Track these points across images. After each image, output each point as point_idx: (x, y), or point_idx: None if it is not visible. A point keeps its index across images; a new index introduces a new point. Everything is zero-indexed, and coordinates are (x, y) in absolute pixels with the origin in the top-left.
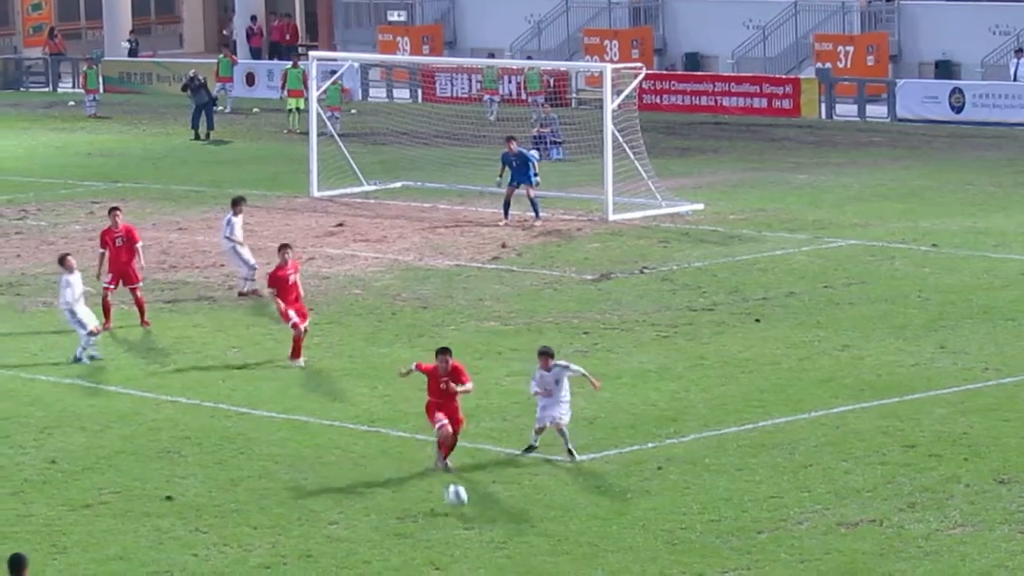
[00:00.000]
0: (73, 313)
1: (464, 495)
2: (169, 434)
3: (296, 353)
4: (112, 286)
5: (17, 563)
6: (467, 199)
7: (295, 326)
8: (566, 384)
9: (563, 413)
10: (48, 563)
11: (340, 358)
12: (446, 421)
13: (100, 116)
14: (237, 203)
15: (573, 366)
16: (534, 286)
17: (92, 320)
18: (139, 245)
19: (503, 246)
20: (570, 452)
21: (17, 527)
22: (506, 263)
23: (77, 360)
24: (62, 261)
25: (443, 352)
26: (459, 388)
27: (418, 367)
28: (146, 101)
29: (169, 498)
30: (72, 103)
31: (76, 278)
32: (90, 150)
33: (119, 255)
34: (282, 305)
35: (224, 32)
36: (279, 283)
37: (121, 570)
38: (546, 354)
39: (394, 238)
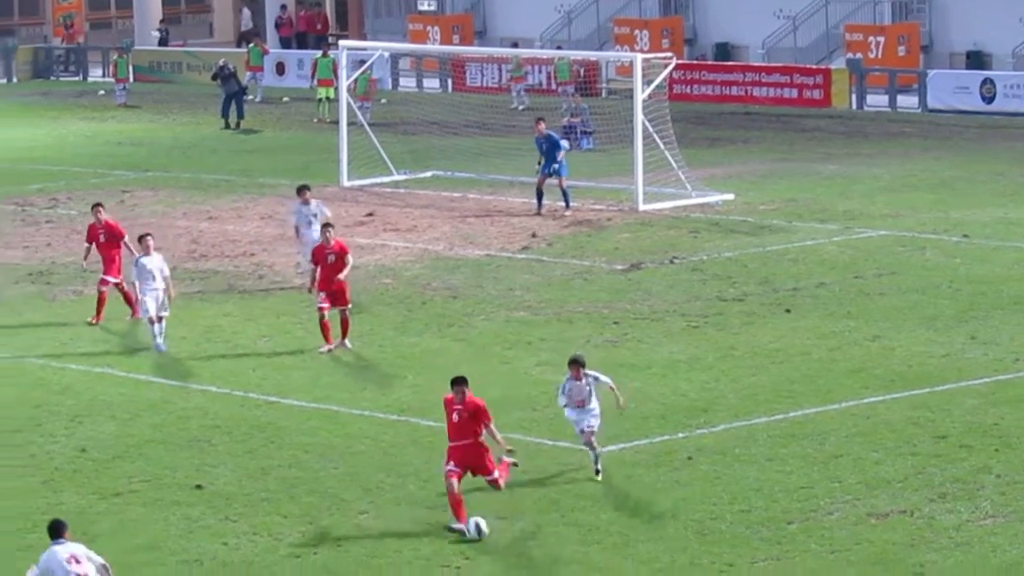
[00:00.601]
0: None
1: (485, 528)
2: (199, 423)
3: (327, 337)
4: (107, 277)
5: (57, 527)
6: (497, 189)
7: (319, 309)
8: (596, 395)
9: (596, 423)
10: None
11: (370, 347)
12: (456, 470)
13: (130, 105)
14: (300, 191)
15: (603, 377)
16: (564, 276)
17: (142, 308)
18: (125, 239)
19: (533, 236)
20: (597, 471)
21: (48, 515)
22: (536, 253)
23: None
24: (139, 240)
25: (459, 383)
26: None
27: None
28: (176, 90)
29: (199, 487)
30: (102, 92)
31: (148, 260)
32: (120, 139)
33: (102, 250)
34: (312, 289)
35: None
36: (318, 260)
37: (151, 559)
38: (578, 363)
39: (424, 228)
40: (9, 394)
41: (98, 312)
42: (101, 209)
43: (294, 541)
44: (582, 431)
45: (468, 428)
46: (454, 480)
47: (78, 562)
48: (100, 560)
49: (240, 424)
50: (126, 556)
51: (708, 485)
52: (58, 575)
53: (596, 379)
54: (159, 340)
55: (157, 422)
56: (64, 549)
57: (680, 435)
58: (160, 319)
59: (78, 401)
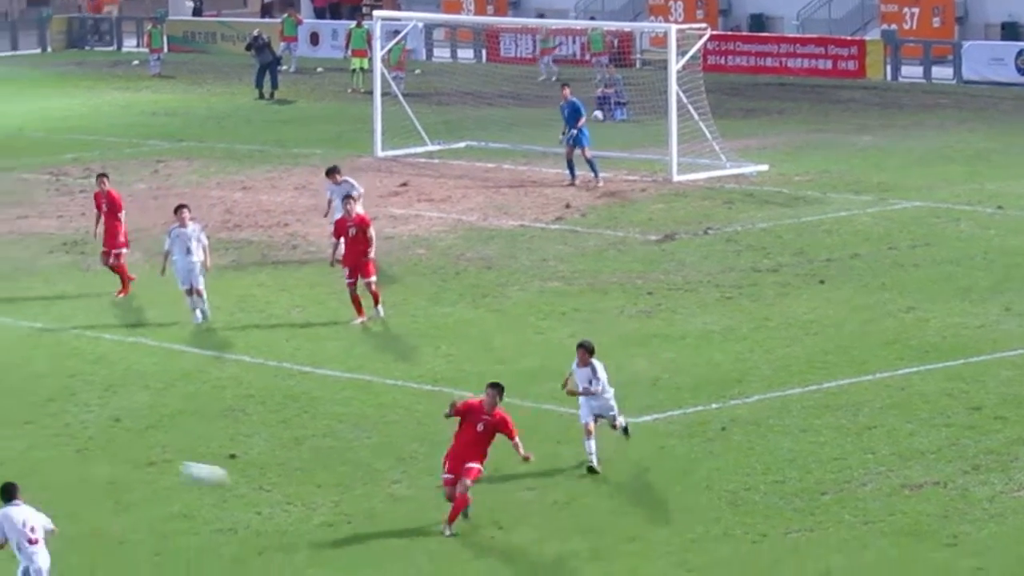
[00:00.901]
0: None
1: (205, 472)
2: (233, 393)
3: (359, 310)
4: (104, 249)
5: (9, 490)
6: (531, 159)
7: (348, 285)
8: (605, 383)
9: (613, 410)
10: (112, 520)
11: (404, 317)
12: (450, 477)
13: (164, 75)
14: (329, 173)
15: (603, 377)
16: (598, 246)
17: (181, 279)
18: (120, 215)
19: (567, 206)
20: (625, 430)
21: (81, 485)
22: (570, 223)
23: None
24: (175, 212)
25: (495, 387)
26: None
27: (455, 410)
28: (210, 60)
29: (233, 456)
30: (136, 62)
31: (184, 231)
32: (154, 109)
33: (106, 220)
34: (336, 260)
35: None
36: (340, 233)
37: (185, 528)
38: (585, 348)
39: (458, 198)
40: (43, 364)
41: (123, 285)
42: (106, 179)
43: (327, 511)
44: (610, 418)
45: (486, 440)
46: (448, 488)
47: (32, 530)
48: (50, 526)
49: (274, 394)
50: (160, 525)
51: (741, 456)
52: (12, 537)
53: (596, 377)
54: (197, 312)
55: (191, 392)
56: (19, 512)
57: (714, 406)
58: (199, 292)
59: (112, 371)
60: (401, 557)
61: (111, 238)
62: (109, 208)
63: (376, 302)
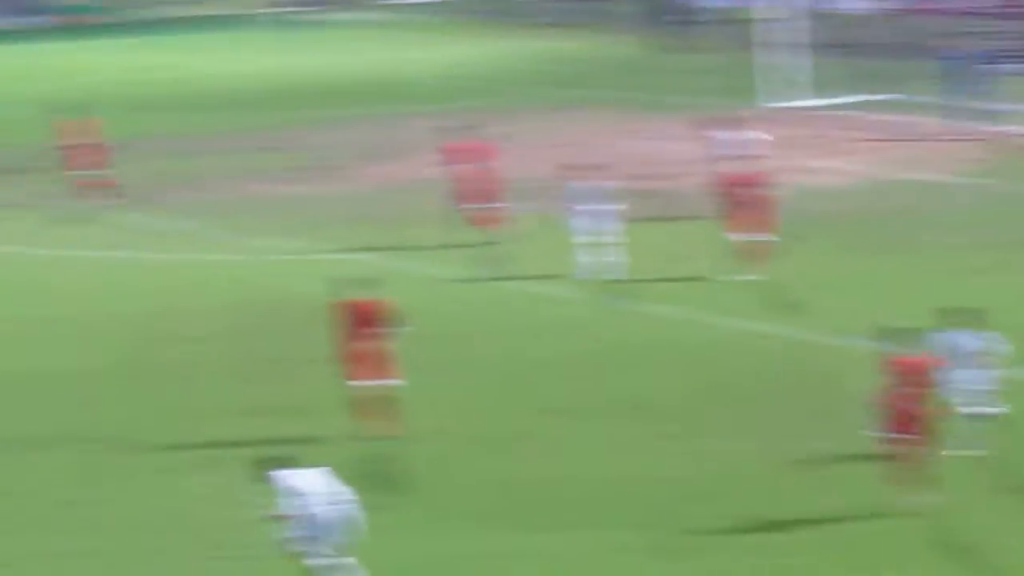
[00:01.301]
0: None
1: None
2: (635, 341)
3: (751, 264)
4: (470, 204)
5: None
6: (937, 113)
7: (736, 238)
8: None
9: (979, 392)
10: (509, 467)
11: (808, 270)
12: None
13: (560, 24)
14: (728, 123)
15: (991, 342)
16: (1008, 202)
17: (577, 230)
18: (483, 165)
19: (977, 160)
20: (973, 454)
21: (482, 429)
22: (978, 177)
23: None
24: (576, 169)
25: (896, 334)
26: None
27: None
28: (608, 8)
29: (635, 405)
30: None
31: (585, 186)
32: (550, 57)
33: (472, 172)
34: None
35: None
36: (725, 187)
37: (575, 475)
38: (947, 314)
39: (864, 151)
40: (447, 309)
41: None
42: (468, 131)
43: (731, 462)
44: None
45: (915, 397)
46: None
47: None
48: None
49: (677, 344)
50: (554, 472)
51: None
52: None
53: (971, 338)
54: (600, 264)
55: (592, 340)
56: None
57: None
58: (610, 245)
59: (515, 319)
60: (822, 527)
61: (476, 190)
62: (475, 159)
63: (764, 261)
